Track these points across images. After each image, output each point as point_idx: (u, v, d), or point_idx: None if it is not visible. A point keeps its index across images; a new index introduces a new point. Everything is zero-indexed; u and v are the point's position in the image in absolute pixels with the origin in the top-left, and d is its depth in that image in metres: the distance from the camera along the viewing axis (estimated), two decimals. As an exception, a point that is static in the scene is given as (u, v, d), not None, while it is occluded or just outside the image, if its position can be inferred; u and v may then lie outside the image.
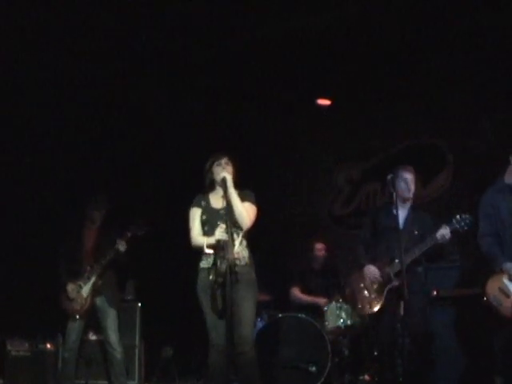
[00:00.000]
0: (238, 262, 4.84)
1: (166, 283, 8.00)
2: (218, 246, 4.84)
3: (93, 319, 6.35)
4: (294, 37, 7.00)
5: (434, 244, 5.27)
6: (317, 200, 8.84)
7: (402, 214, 5.38)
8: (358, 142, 8.50)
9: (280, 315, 6.75)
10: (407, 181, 5.50)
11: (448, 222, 5.30)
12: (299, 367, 6.44)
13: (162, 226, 7.62)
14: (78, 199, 6.60)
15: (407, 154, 8.02)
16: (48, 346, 6.94)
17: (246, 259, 4.98)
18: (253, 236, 5.10)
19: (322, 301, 7.02)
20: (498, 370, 5.16)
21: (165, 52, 7.23)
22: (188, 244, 5.09)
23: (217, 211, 5.04)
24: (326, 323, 6.72)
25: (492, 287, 5.07)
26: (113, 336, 6.28)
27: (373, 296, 5.44)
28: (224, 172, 5.00)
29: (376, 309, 5.40)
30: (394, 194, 5.32)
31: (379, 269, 5.42)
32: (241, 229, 4.97)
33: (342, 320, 6.69)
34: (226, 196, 4.92)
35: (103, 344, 6.44)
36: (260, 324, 6.78)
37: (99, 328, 6.42)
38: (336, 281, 7.12)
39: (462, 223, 5.27)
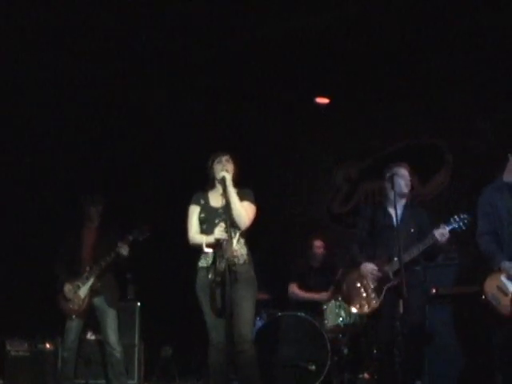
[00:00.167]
0: (236, 260, 4.83)
1: (166, 283, 8.00)
2: (217, 245, 4.84)
3: (92, 319, 6.35)
4: (293, 37, 7.00)
5: (432, 243, 5.27)
6: (317, 200, 8.84)
7: (398, 211, 5.38)
8: (358, 142, 8.50)
9: (279, 314, 6.75)
10: (405, 177, 5.52)
11: (446, 222, 5.30)
12: (299, 366, 6.44)
13: (162, 225, 7.62)
14: (78, 199, 6.59)
15: (406, 153, 8.02)
16: (47, 346, 6.95)
17: (245, 257, 4.97)
18: (252, 235, 5.09)
19: (320, 296, 7.02)
20: (497, 367, 5.15)
21: (165, 52, 7.23)
22: (187, 243, 5.09)
23: (215, 210, 5.04)
24: (326, 322, 6.72)
25: (490, 285, 5.06)
26: (112, 336, 6.27)
27: (371, 295, 5.44)
28: (223, 171, 5.00)
29: (374, 308, 5.39)
30: (393, 191, 5.33)
31: (378, 267, 5.42)
32: (239, 228, 4.97)
33: (341, 318, 6.69)
34: (225, 195, 4.93)
35: (102, 344, 6.44)
36: (259, 323, 6.78)
37: (98, 328, 6.42)
38: (335, 278, 7.12)
39: (461, 223, 5.28)
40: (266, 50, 7.22)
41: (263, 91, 7.95)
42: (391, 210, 5.49)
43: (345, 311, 6.68)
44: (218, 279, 4.76)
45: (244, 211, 4.96)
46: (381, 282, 5.38)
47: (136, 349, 7.11)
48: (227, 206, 4.89)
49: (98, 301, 6.27)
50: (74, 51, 6.96)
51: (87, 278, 6.21)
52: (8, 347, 6.85)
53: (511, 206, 5.14)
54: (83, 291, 6.21)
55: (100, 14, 6.53)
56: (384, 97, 7.93)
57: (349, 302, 5.70)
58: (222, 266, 4.74)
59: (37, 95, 7.31)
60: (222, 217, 4.91)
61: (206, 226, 5.02)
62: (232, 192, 4.93)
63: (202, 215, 5.06)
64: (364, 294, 5.48)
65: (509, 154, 5.24)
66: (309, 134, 8.71)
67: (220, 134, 8.10)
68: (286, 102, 8.27)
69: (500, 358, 5.07)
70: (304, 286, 7.29)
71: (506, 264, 5.02)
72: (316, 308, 6.90)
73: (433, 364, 6.07)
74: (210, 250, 4.89)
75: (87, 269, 6.23)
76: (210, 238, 4.89)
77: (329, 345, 6.41)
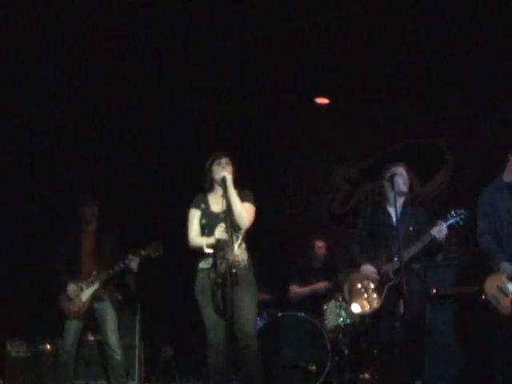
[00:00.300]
0: (236, 264, 4.82)
1: (166, 283, 7.99)
2: (218, 246, 4.84)
3: (92, 320, 6.34)
4: (293, 37, 7.00)
5: (431, 240, 5.28)
6: (317, 200, 8.84)
7: (397, 210, 5.39)
8: (358, 142, 8.50)
9: (280, 314, 6.75)
10: (403, 175, 5.53)
11: (443, 218, 5.31)
12: (299, 366, 6.44)
13: (162, 225, 7.63)
14: (78, 199, 6.59)
15: (406, 153, 8.02)
16: (47, 346, 6.93)
17: (245, 262, 4.97)
18: (252, 236, 5.10)
19: (320, 285, 7.02)
20: (497, 367, 5.15)
21: (165, 52, 7.23)
22: (188, 244, 5.09)
23: (216, 215, 5.03)
24: (326, 322, 6.73)
25: (490, 286, 5.06)
26: (112, 337, 6.26)
27: (373, 295, 5.44)
28: (224, 171, 5.00)
29: (375, 308, 5.39)
30: (393, 192, 5.34)
31: (377, 268, 5.42)
32: (240, 230, 4.96)
33: (341, 319, 6.70)
34: (225, 196, 4.92)
35: (102, 345, 6.43)
36: (260, 323, 6.76)
37: (98, 329, 6.41)
38: (336, 279, 7.12)
39: (458, 218, 5.30)
40: (266, 50, 7.22)
41: (263, 91, 7.94)
42: (390, 210, 5.51)
43: (345, 311, 6.68)
44: (219, 280, 4.75)
45: (245, 212, 4.96)
46: (381, 281, 5.38)
47: (136, 349, 7.10)
48: (228, 207, 4.88)
49: (98, 304, 6.26)
50: (74, 51, 6.96)
51: (92, 283, 6.18)
52: (8, 348, 6.84)
53: (511, 205, 5.15)
54: (85, 295, 6.19)
55: (100, 14, 6.52)
56: (384, 97, 7.93)
57: (350, 303, 5.70)
58: (222, 267, 4.75)
59: (37, 95, 7.30)
60: (223, 221, 4.90)
61: (208, 232, 5.01)
62: (233, 193, 4.93)
63: (203, 221, 5.06)
64: (365, 295, 5.47)
65: (509, 154, 5.25)
66: (309, 134, 8.71)
67: (220, 134, 8.10)
68: (286, 102, 8.26)
69: (500, 358, 5.07)
70: (305, 286, 7.28)
71: (506, 265, 5.03)
72: (316, 308, 6.90)
73: (433, 364, 6.07)
74: (210, 251, 4.88)
75: (93, 273, 6.19)
76: (211, 239, 4.89)
77: (329, 345, 6.41)
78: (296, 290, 7.31)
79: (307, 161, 8.91)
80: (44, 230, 7.45)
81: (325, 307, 6.80)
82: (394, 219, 5.39)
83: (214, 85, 7.83)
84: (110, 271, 6.13)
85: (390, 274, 5.32)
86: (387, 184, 5.50)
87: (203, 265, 4.99)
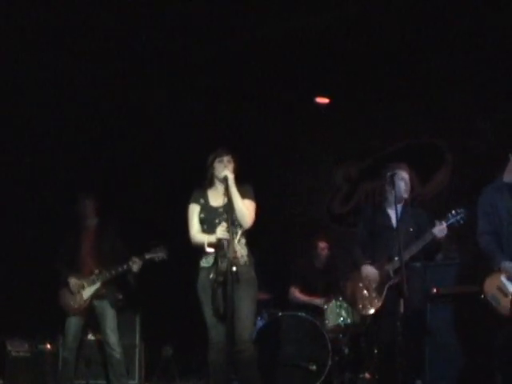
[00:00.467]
0: (236, 261, 4.82)
1: (167, 283, 7.99)
2: (219, 245, 4.84)
3: (92, 319, 6.34)
4: (293, 37, 7.01)
5: (431, 240, 5.29)
6: (317, 200, 8.85)
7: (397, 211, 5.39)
8: (358, 142, 8.50)
9: (280, 314, 6.76)
10: (406, 180, 5.52)
11: (443, 218, 5.32)
12: (299, 366, 6.44)
13: (162, 225, 7.63)
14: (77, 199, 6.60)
15: (406, 153, 8.03)
16: (48, 346, 6.94)
17: (245, 257, 4.96)
18: (253, 235, 5.08)
19: (319, 301, 7.02)
20: (497, 367, 5.15)
21: (165, 52, 7.23)
22: (188, 243, 5.08)
23: (215, 209, 5.02)
24: (326, 321, 6.72)
25: (490, 286, 5.05)
26: (112, 336, 6.26)
27: (373, 295, 5.44)
28: (226, 170, 4.99)
29: (377, 307, 5.39)
30: (394, 191, 5.34)
31: (378, 269, 5.42)
32: (240, 227, 4.96)
33: (342, 318, 6.69)
34: (227, 194, 4.91)
35: (102, 344, 6.42)
36: (260, 323, 6.78)
37: (98, 329, 6.42)
38: (337, 280, 7.12)
39: (458, 217, 5.30)
40: (266, 50, 7.23)
41: (263, 91, 7.95)
42: (390, 211, 5.51)
43: (346, 311, 6.68)
44: (220, 279, 4.75)
45: (247, 210, 4.96)
46: (382, 281, 5.38)
47: (137, 349, 7.11)
48: (229, 206, 4.87)
49: (98, 302, 6.27)
50: (74, 51, 6.96)
51: (94, 282, 6.19)
52: (8, 348, 6.84)
53: (511, 206, 5.14)
54: (87, 293, 6.19)
55: (100, 13, 6.52)
56: (384, 97, 7.94)
57: (353, 304, 5.70)
58: (223, 265, 4.74)
59: (37, 95, 7.30)
60: (222, 216, 4.90)
61: (207, 226, 5.00)
62: (235, 192, 4.92)
63: (202, 215, 5.04)
64: (367, 295, 5.48)
65: (509, 154, 5.23)
66: (309, 134, 8.72)
67: (220, 134, 8.09)
68: (286, 102, 8.27)
69: (500, 358, 5.06)
70: (306, 289, 7.25)
71: (506, 264, 5.02)
72: (317, 308, 6.91)
73: (433, 364, 6.07)
74: (211, 250, 4.89)
75: (96, 272, 6.19)
76: (212, 238, 4.88)
77: (329, 345, 6.42)
78: (296, 294, 7.29)
79: (307, 161, 8.92)
80: (44, 230, 7.45)
81: (325, 307, 6.80)
82: (394, 221, 5.39)
83: (214, 85, 7.84)
84: (113, 272, 6.14)
85: (391, 273, 5.33)
86: (388, 187, 5.49)
87: (204, 263, 4.98)
